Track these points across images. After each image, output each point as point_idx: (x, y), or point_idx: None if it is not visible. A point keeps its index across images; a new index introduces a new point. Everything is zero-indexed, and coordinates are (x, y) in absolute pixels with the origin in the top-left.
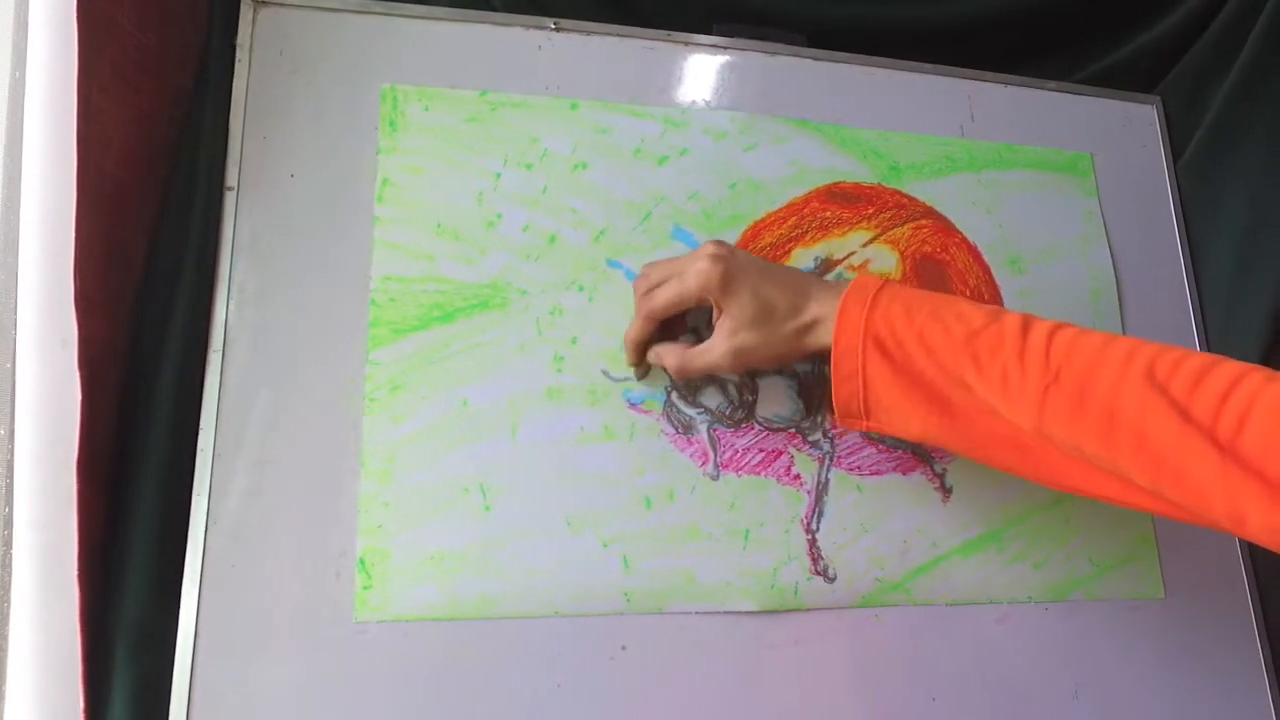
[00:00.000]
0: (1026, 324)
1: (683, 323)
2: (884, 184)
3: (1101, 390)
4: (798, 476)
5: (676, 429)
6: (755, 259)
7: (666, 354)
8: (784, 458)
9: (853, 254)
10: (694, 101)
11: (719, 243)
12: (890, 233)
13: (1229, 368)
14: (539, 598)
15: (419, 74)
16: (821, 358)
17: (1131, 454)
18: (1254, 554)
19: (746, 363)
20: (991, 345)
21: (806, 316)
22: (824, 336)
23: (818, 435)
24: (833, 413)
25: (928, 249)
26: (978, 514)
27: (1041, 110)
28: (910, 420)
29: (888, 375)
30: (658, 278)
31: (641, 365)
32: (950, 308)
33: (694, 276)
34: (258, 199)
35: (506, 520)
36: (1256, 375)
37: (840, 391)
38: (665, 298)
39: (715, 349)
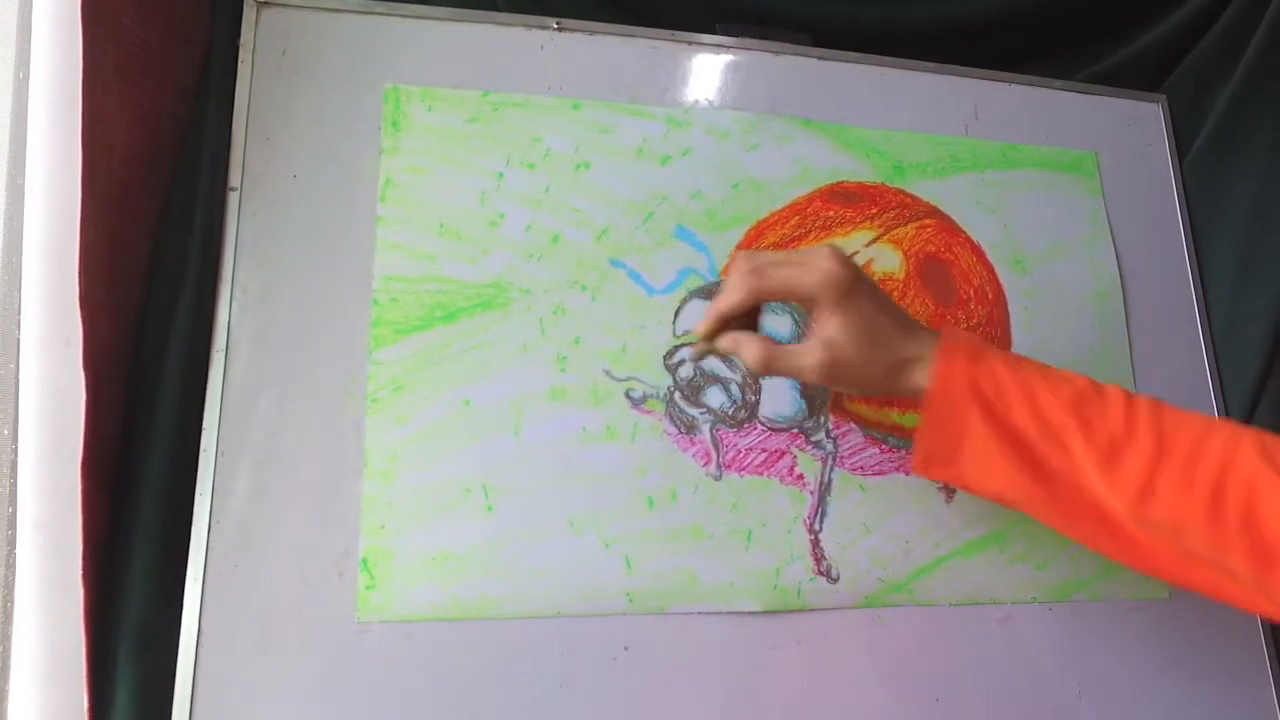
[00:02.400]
0: (1130, 395)
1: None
2: (887, 183)
3: (1212, 464)
4: (800, 477)
5: (679, 429)
6: (870, 277)
7: (748, 344)
8: (787, 458)
9: (856, 254)
10: (697, 101)
11: (835, 247)
12: (894, 232)
13: None
14: (541, 598)
15: (421, 74)
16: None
17: (1238, 535)
18: None
19: (836, 380)
20: (1099, 409)
21: (908, 352)
22: (916, 378)
23: (820, 435)
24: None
25: (931, 249)
26: (980, 514)
27: (1046, 109)
28: (997, 477)
29: (983, 428)
30: (775, 259)
31: (710, 343)
32: (1052, 370)
33: (817, 272)
34: (261, 199)
35: (509, 520)
36: None
37: (929, 436)
38: (781, 279)
39: (809, 354)
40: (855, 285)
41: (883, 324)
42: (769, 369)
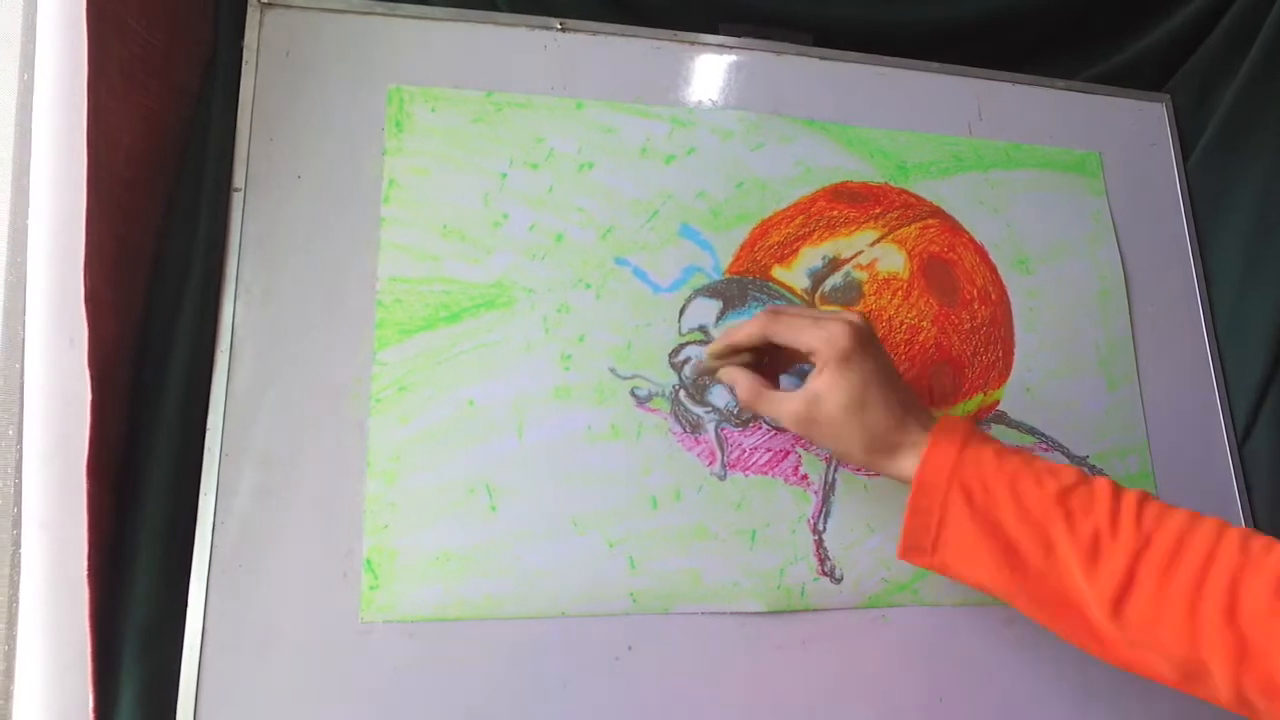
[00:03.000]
0: (1117, 489)
1: (778, 365)
2: (891, 183)
3: (1193, 559)
4: (805, 476)
5: (684, 428)
6: (886, 356)
7: (741, 378)
8: (791, 457)
9: (860, 253)
10: (700, 101)
11: (865, 316)
12: (897, 232)
13: None
14: (545, 598)
15: (425, 75)
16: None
17: (1216, 631)
18: None
19: (810, 435)
20: (1084, 504)
21: (895, 437)
22: (903, 465)
23: None
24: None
25: (935, 248)
26: None
27: (1050, 109)
28: (978, 569)
29: (966, 519)
30: (798, 310)
31: (715, 366)
32: (1040, 461)
33: (825, 329)
34: (265, 200)
35: (513, 520)
36: None
37: (912, 524)
38: (792, 326)
39: (789, 404)
40: (856, 353)
41: (876, 399)
42: (753, 406)
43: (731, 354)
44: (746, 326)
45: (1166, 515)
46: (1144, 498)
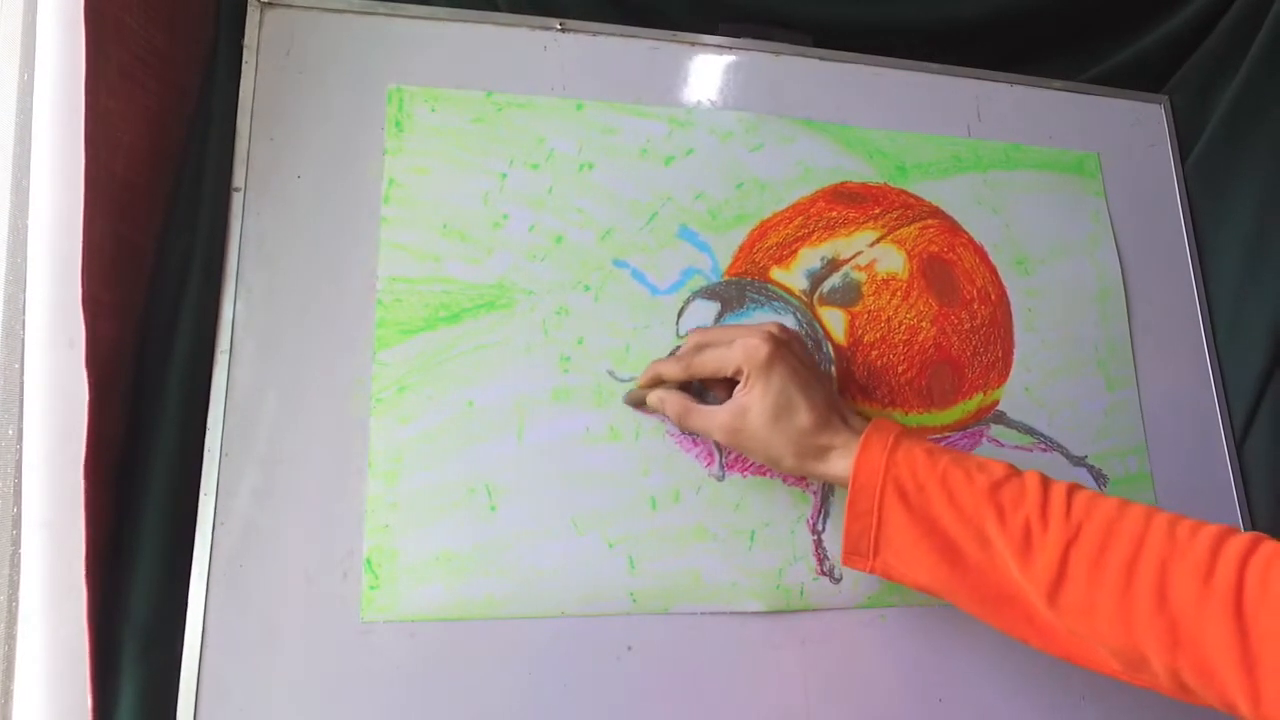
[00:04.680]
0: (1045, 481)
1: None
2: (890, 184)
3: (1123, 547)
4: (804, 477)
5: (682, 430)
6: (808, 362)
7: (670, 400)
8: None
9: (859, 254)
10: (700, 101)
11: (783, 327)
12: (897, 232)
13: (1244, 536)
14: (545, 598)
15: (425, 75)
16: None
17: (1149, 617)
18: None
19: (740, 445)
20: (1014, 497)
21: (823, 440)
22: (835, 467)
23: None
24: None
25: (934, 249)
26: None
27: (1048, 110)
28: (918, 568)
29: (903, 518)
30: (712, 339)
31: (641, 395)
32: (970, 458)
33: (741, 348)
34: (265, 200)
35: (512, 521)
36: (1269, 545)
37: (851, 528)
38: (709, 362)
39: (717, 418)
40: (772, 362)
41: (800, 404)
42: (684, 423)
43: (657, 383)
44: (669, 366)
45: (1095, 504)
46: (1073, 489)
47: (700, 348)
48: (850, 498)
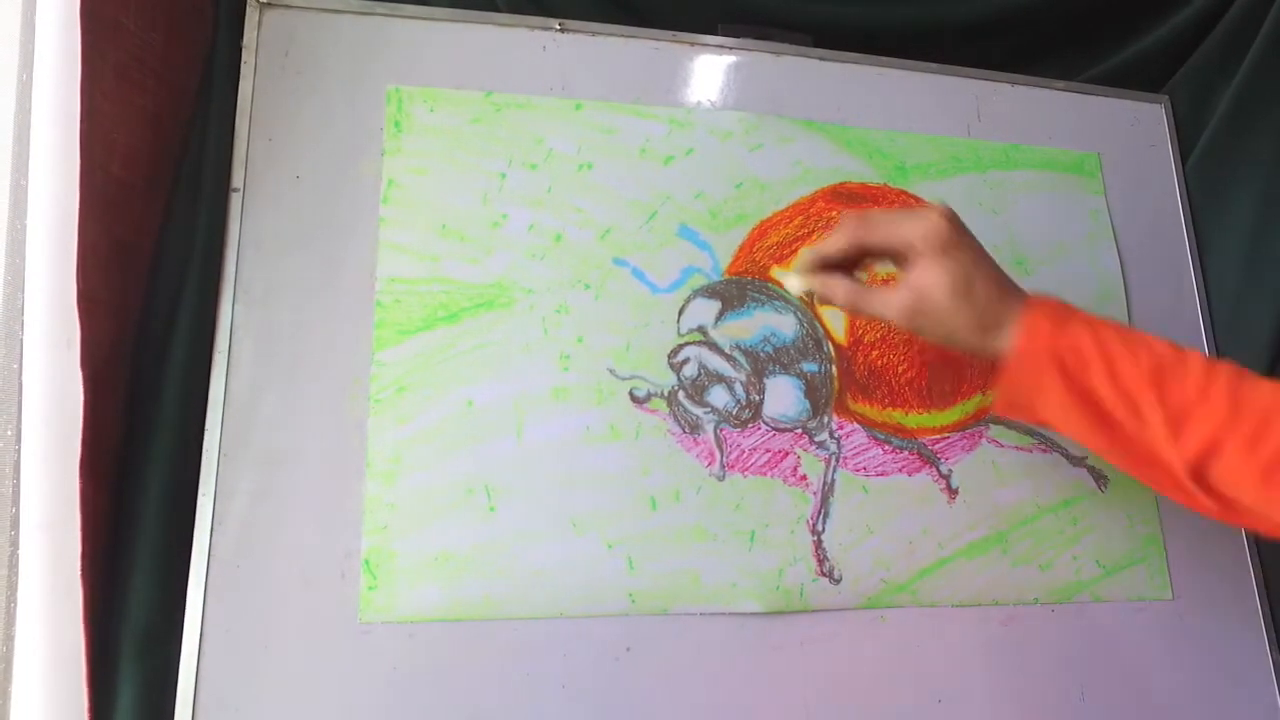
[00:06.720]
0: (1210, 361)
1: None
2: (890, 184)
3: (1276, 432)
4: (804, 477)
5: (683, 428)
6: (977, 240)
7: (838, 286)
8: (790, 458)
9: None
10: (699, 102)
11: (949, 208)
12: None
13: None
14: (544, 599)
15: (424, 75)
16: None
17: None
18: (1263, 555)
19: (918, 325)
20: (1177, 376)
21: (997, 314)
22: (1000, 340)
23: (824, 436)
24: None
25: None
26: (983, 515)
27: (1048, 110)
28: (1070, 429)
29: (1062, 390)
30: (884, 213)
31: (804, 279)
32: (1135, 334)
33: (921, 222)
34: (263, 200)
35: (511, 521)
36: None
37: (1007, 390)
38: (885, 226)
39: (897, 298)
40: (955, 240)
41: (981, 281)
42: (856, 308)
43: (818, 268)
44: (835, 237)
45: (1260, 387)
46: (1238, 371)
47: (868, 219)
48: (1009, 367)
